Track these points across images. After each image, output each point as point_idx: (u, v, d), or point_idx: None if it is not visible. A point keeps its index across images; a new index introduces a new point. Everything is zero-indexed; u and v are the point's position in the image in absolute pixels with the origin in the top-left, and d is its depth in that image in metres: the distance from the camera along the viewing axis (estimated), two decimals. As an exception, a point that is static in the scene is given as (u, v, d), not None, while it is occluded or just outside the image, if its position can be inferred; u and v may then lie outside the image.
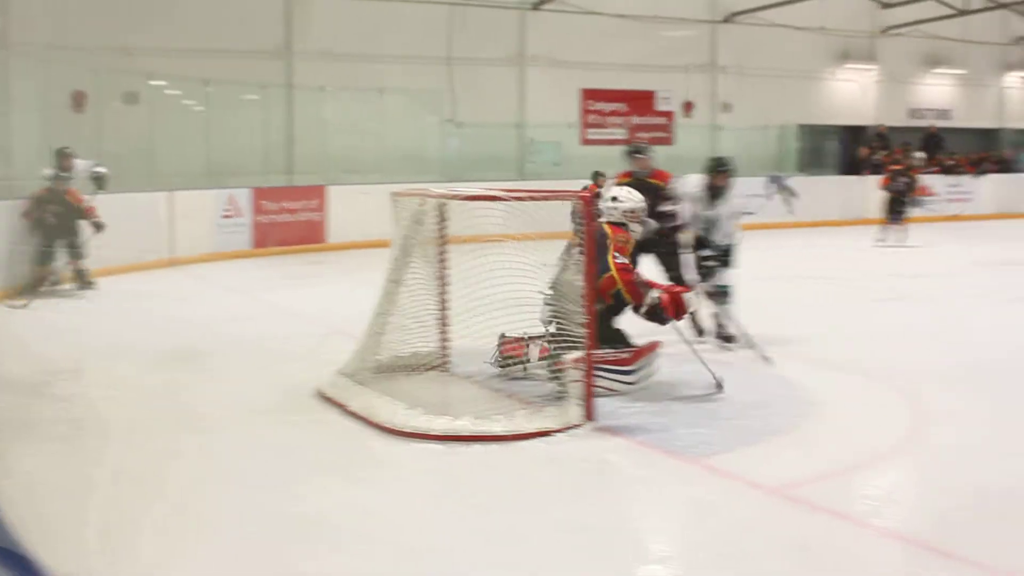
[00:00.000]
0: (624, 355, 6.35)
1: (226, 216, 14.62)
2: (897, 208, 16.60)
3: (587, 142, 18.94)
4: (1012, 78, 25.34)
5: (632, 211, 6.80)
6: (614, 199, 6.85)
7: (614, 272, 6.41)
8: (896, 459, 5.46)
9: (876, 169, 20.29)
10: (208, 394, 6.68)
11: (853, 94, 23.26)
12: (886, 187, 16.85)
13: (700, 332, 7.94)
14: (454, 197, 6.58)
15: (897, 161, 17.58)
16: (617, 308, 6.52)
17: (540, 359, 6.51)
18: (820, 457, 5.41)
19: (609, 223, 6.74)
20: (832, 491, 4.88)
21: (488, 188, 6.63)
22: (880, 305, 10.75)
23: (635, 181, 8.05)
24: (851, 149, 22.85)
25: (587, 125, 19.49)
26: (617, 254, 6.49)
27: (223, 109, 16.26)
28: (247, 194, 15.02)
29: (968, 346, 8.46)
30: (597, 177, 14.23)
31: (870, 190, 19.61)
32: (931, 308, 10.69)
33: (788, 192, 16.42)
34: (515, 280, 5.99)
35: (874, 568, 4.12)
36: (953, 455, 5.42)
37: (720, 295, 7.75)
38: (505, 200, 6.13)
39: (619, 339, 6.50)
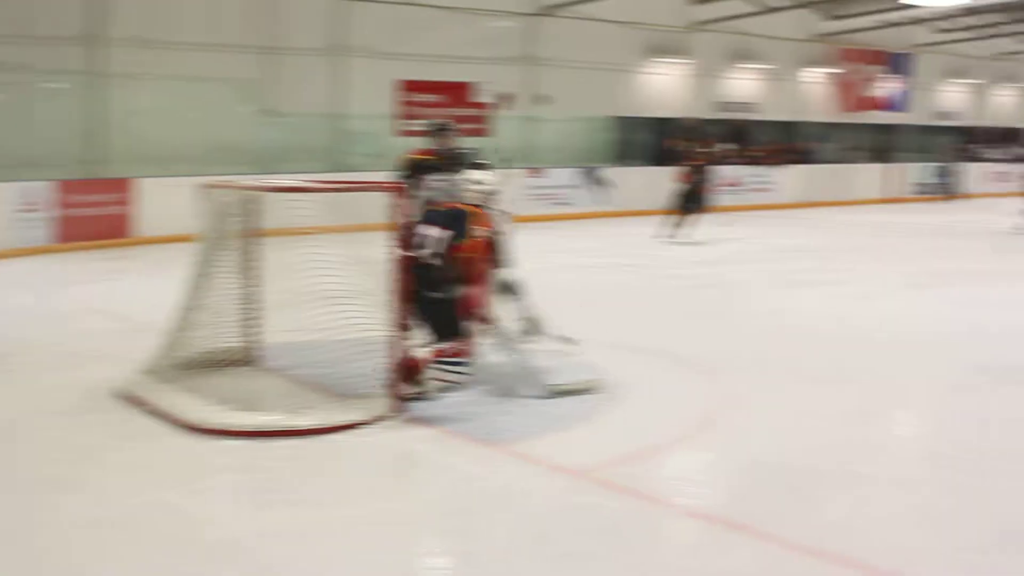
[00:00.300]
0: (462, 347, 6.28)
1: (24, 210, 13.89)
2: (691, 201, 16.01)
3: (404, 133, 18.84)
4: (810, 74, 26.36)
5: (494, 194, 6.59)
6: (477, 182, 6.62)
7: (477, 243, 6.18)
8: (698, 440, 5.68)
9: (679, 160, 20.81)
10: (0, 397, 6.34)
11: (666, 87, 23.89)
12: (685, 182, 16.28)
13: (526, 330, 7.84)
14: (262, 188, 6.43)
15: (695, 155, 17.78)
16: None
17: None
18: (625, 439, 5.56)
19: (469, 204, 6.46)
20: (637, 472, 5.03)
21: (303, 180, 6.57)
22: (685, 291, 11.12)
23: (436, 159, 7.81)
24: (664, 141, 23.44)
25: (404, 116, 19.41)
26: (486, 229, 6.25)
27: (23, 97, 15.43)
28: (48, 187, 14.29)
29: (766, 330, 8.82)
30: None
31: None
32: (733, 293, 11.15)
33: (602, 183, 16.79)
34: (330, 274, 5.94)
35: (678, 545, 4.32)
36: (751, 435, 5.66)
37: (507, 290, 7.57)
38: (314, 191, 6.02)
39: (460, 330, 6.33)
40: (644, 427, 5.75)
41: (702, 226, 15.33)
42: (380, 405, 5.76)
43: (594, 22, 21.65)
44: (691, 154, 17.08)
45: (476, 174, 6.63)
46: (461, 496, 4.83)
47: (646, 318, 9.34)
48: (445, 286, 6.16)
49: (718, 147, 19.40)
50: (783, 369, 7.28)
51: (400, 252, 5.89)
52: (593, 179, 15.23)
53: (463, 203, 6.44)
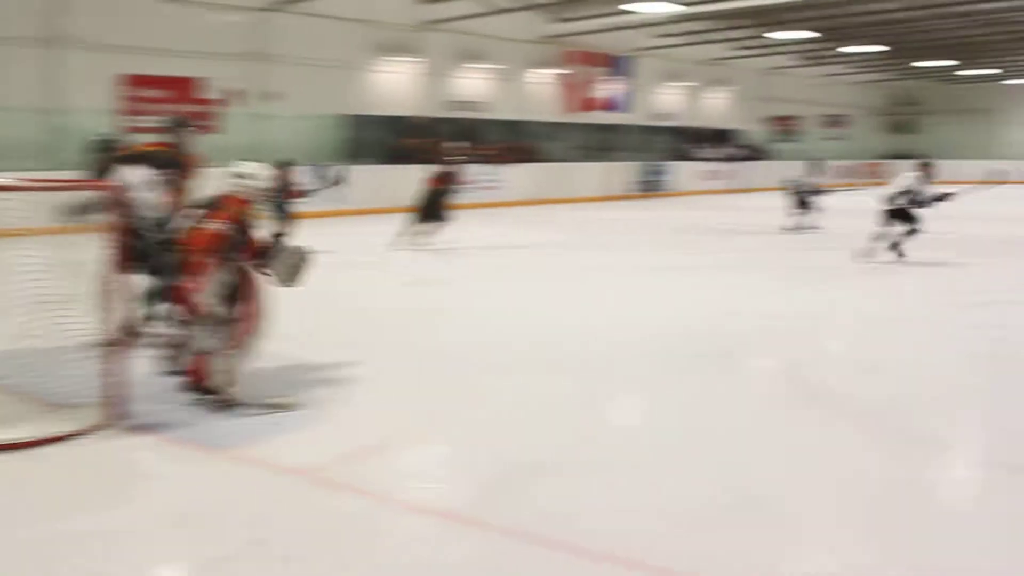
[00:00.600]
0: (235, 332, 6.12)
1: None
2: (435, 206, 15.27)
3: (128, 129, 18.09)
4: (537, 74, 27.45)
5: (264, 190, 6.38)
6: (243, 176, 6.32)
7: (205, 234, 6.00)
8: (425, 434, 5.78)
9: (425, 160, 21.05)
10: None
11: (397, 85, 24.05)
12: (436, 184, 15.43)
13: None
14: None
15: (447, 156, 17.31)
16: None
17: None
18: (353, 437, 5.59)
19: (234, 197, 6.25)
20: (362, 470, 5.07)
21: (14, 178, 6.15)
22: (415, 288, 11.26)
23: (167, 155, 7.50)
24: (397, 139, 23.56)
25: (128, 112, 18.63)
26: (222, 221, 6.03)
27: None
28: None
29: (494, 324, 9.06)
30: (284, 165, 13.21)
31: (415, 179, 20.34)
32: (467, 292, 11.30)
33: (334, 181, 16.69)
34: (40, 278, 5.73)
35: (400, 541, 4.33)
36: (478, 428, 5.80)
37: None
38: (23, 190, 5.74)
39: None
40: (372, 424, 5.83)
41: (445, 230, 15.02)
42: (95, 414, 5.55)
43: (325, 19, 21.57)
44: (442, 155, 16.58)
45: (247, 167, 6.33)
46: (183, 503, 4.72)
47: (377, 317, 9.38)
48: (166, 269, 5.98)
49: (463, 147, 19.34)
50: (513, 361, 7.49)
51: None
52: (325, 177, 15.16)
53: (231, 195, 6.21)
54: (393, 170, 21.93)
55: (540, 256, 14.44)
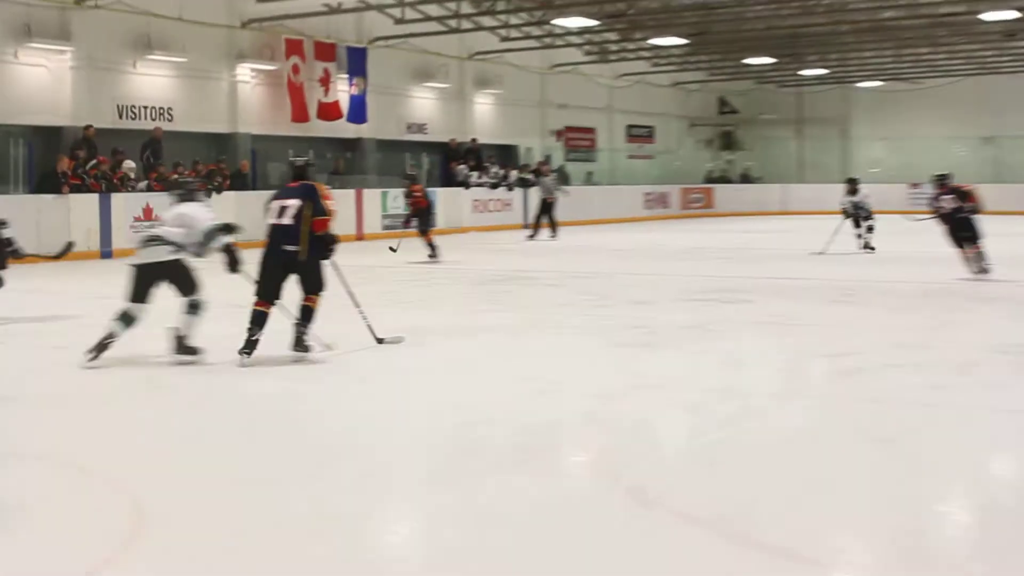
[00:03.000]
0: None
1: None
2: None
3: None
4: (244, 70, 22.66)
5: None
6: None
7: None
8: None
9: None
10: None
11: (44, 83, 18.98)
12: None
13: None
14: None
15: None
16: None
17: None
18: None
19: None
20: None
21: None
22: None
23: None
24: (46, 158, 18.81)
25: None
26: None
27: None
28: None
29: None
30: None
31: (72, 211, 17.37)
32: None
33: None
34: None
35: None
36: None
37: None
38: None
39: None
40: None
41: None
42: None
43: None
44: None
45: None
46: None
47: None
48: None
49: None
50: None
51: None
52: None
53: None
54: (43, 201, 15.79)
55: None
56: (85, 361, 7.59)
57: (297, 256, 7.69)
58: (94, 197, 18.00)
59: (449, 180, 26.48)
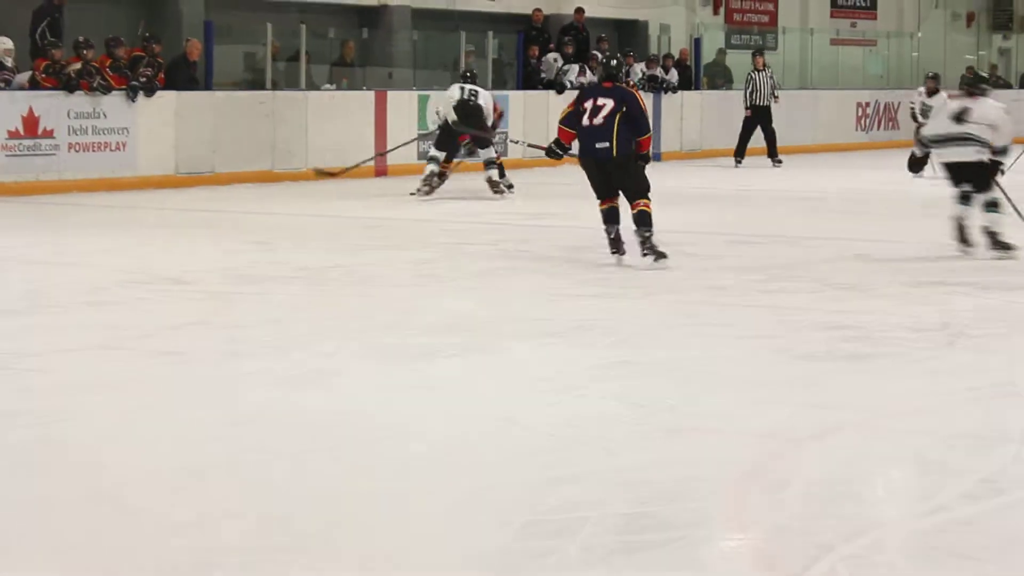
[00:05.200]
0: None
1: None
2: None
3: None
4: None
5: None
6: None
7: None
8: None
9: None
10: None
11: None
12: None
13: None
14: None
15: None
16: None
17: None
18: None
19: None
20: None
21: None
22: None
23: None
24: None
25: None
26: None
27: None
28: None
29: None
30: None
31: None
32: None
33: None
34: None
35: None
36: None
37: None
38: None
39: None
40: None
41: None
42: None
43: None
44: None
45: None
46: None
47: None
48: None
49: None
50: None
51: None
52: None
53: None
54: None
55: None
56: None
57: (611, 155, 8.15)
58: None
59: (529, 78, 18.00)
